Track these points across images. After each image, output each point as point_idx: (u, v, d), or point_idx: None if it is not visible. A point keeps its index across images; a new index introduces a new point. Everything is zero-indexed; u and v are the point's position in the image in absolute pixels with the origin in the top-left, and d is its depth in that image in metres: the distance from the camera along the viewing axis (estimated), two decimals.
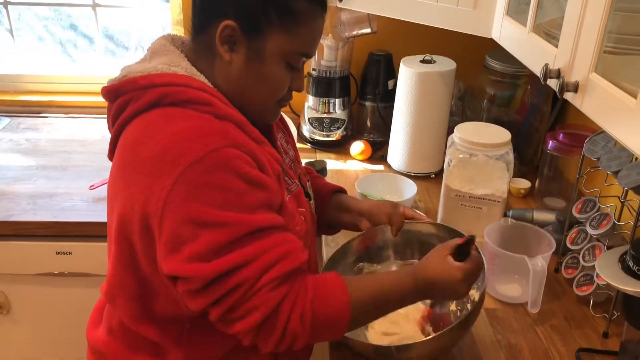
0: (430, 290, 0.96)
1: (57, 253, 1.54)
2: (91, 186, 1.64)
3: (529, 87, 1.68)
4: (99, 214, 1.54)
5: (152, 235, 0.85)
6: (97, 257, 1.54)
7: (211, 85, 0.92)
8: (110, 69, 2.15)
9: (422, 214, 1.40)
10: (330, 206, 1.20)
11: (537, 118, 1.73)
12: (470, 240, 0.97)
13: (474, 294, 1.13)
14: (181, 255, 0.82)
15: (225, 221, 0.81)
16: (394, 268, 1.21)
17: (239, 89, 0.93)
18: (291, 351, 0.91)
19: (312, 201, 1.13)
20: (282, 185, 0.95)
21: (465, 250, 0.97)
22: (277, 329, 0.85)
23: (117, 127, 0.92)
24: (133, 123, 0.89)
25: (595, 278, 1.19)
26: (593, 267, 1.20)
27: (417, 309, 1.16)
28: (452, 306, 1.17)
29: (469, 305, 1.14)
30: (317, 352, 1.18)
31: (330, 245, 1.40)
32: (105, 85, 0.94)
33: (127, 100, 0.90)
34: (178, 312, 0.93)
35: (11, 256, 1.55)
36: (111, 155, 0.97)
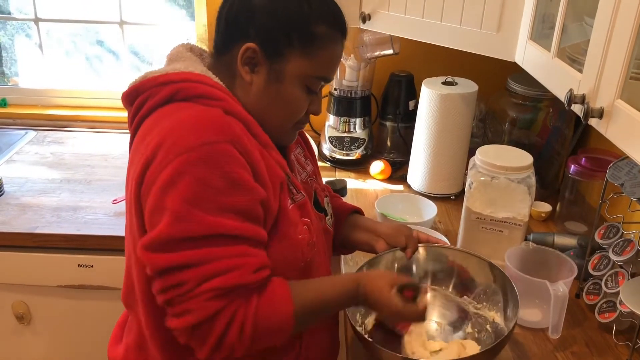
0: (364, 303, 0.99)
1: (79, 266, 1.56)
2: (114, 200, 1.67)
3: (551, 110, 1.68)
4: (121, 228, 1.53)
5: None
6: (118, 270, 1.53)
7: (225, 88, 0.94)
8: None
9: (441, 236, 1.40)
10: (346, 225, 1.21)
11: (558, 141, 1.72)
12: (409, 286, 0.99)
13: (495, 315, 1.13)
14: (145, 240, 0.85)
15: (188, 217, 0.82)
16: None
17: (257, 109, 0.95)
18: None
19: (328, 217, 1.13)
20: (285, 191, 0.95)
21: (409, 289, 0.99)
22: (211, 338, 0.85)
23: (135, 125, 0.95)
24: (147, 119, 0.92)
25: (618, 305, 1.17)
26: (615, 293, 1.19)
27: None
28: (469, 328, 1.16)
29: (488, 327, 1.14)
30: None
31: (349, 264, 1.40)
32: (125, 90, 0.96)
33: (145, 98, 0.93)
34: None
35: (34, 268, 1.57)
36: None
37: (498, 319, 1.14)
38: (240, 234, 0.85)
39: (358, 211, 1.26)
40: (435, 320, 1.18)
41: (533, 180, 1.34)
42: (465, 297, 1.19)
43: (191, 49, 1.02)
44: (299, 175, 1.08)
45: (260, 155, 0.90)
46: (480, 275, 1.18)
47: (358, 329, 1.05)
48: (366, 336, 1.05)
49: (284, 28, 0.91)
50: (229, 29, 0.94)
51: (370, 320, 1.15)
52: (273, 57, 0.92)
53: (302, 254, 0.97)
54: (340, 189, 1.58)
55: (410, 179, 1.79)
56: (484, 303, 1.17)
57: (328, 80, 0.98)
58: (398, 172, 1.88)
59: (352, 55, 1.81)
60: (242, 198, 0.85)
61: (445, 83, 1.68)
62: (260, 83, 0.93)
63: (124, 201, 1.61)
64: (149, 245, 0.84)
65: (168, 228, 0.82)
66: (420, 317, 0.98)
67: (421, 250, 1.19)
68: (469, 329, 1.16)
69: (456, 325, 1.17)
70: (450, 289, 1.20)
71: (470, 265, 1.19)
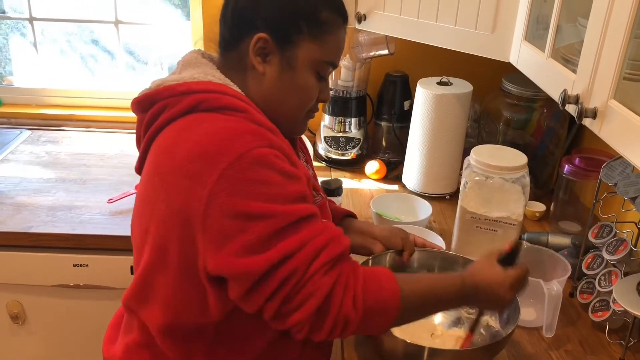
0: (475, 296, 0.98)
1: (74, 265, 1.56)
2: (110, 200, 1.67)
3: (545, 110, 1.68)
4: (116, 228, 1.55)
5: (193, 238, 0.86)
6: (113, 270, 1.56)
7: (244, 95, 0.94)
8: (130, 84, 2.19)
9: (437, 236, 1.41)
10: (345, 230, 1.20)
11: (552, 141, 1.73)
12: (517, 247, 0.98)
13: (487, 318, 1.14)
14: (230, 250, 0.83)
15: (270, 212, 0.83)
16: None
17: (271, 100, 0.96)
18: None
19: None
20: (310, 192, 0.97)
21: (511, 257, 0.98)
22: (331, 314, 0.86)
23: (150, 135, 0.94)
24: (168, 128, 0.91)
25: (611, 304, 1.18)
26: (609, 292, 1.20)
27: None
28: (462, 333, 1.17)
29: (482, 331, 1.15)
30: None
31: None
32: (137, 96, 0.96)
33: (162, 107, 0.92)
34: (205, 320, 0.93)
35: (29, 267, 1.57)
36: (140, 166, 0.98)
37: (492, 322, 1.15)
38: (314, 212, 0.89)
39: (351, 215, 1.27)
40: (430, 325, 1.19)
41: (527, 180, 1.35)
42: None
43: (202, 54, 1.03)
44: None
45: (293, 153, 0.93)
46: None
47: None
48: None
49: (292, 16, 0.93)
50: (236, 23, 0.95)
51: None
52: (284, 45, 0.93)
53: None
54: (335, 188, 1.58)
55: (405, 178, 1.80)
56: (477, 308, 1.17)
57: (335, 65, 1.00)
58: (393, 172, 1.88)
59: (347, 56, 1.81)
60: (299, 186, 0.89)
61: (440, 83, 1.68)
62: (274, 72, 0.95)
63: (120, 200, 1.64)
64: (241, 251, 0.83)
65: (255, 230, 0.83)
66: (527, 272, 1.00)
67: (417, 254, 1.20)
68: (462, 334, 1.16)
69: (451, 328, 1.18)
70: None
71: (461, 269, 1.19)
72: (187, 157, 0.85)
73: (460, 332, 1.17)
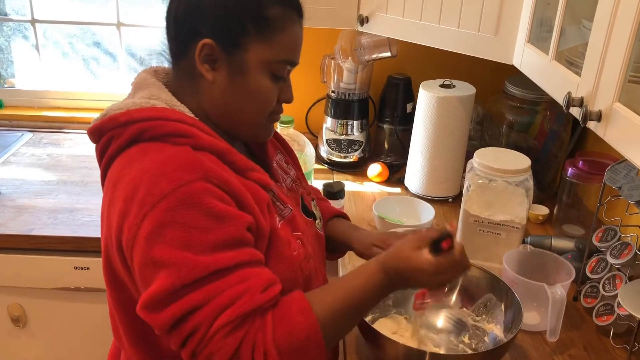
0: (400, 281, 0.91)
1: (76, 268, 1.55)
2: None
3: (548, 113, 1.68)
4: None
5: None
6: None
7: (192, 115, 0.91)
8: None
9: None
10: (332, 231, 1.18)
11: (556, 144, 1.72)
12: (444, 236, 0.92)
13: (494, 328, 1.13)
14: (143, 299, 0.81)
15: (183, 262, 0.79)
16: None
17: (226, 108, 0.92)
18: None
19: (318, 221, 1.11)
20: (272, 211, 0.93)
21: (439, 245, 0.92)
22: None
23: (104, 165, 0.92)
24: (116, 161, 0.89)
25: (616, 308, 1.17)
26: (613, 296, 1.19)
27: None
28: (466, 339, 1.16)
29: (486, 338, 1.14)
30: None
31: (347, 267, 1.40)
32: (90, 126, 0.93)
33: (109, 139, 0.90)
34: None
35: (30, 270, 1.56)
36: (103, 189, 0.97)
37: (497, 331, 1.14)
38: (237, 262, 0.82)
39: (342, 215, 1.24)
40: (432, 330, 1.18)
41: (531, 183, 1.34)
42: (464, 308, 1.20)
43: (155, 71, 0.99)
44: (283, 182, 1.06)
45: (240, 183, 0.88)
46: (481, 288, 1.19)
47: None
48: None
49: (236, 17, 0.87)
50: (180, 31, 0.91)
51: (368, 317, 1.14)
52: (231, 49, 0.88)
53: (301, 270, 0.95)
54: (337, 191, 1.58)
55: (407, 181, 1.79)
56: (483, 316, 1.17)
57: (293, 63, 0.93)
58: (395, 175, 1.87)
59: (349, 58, 1.81)
60: (229, 229, 0.82)
61: (442, 86, 1.68)
62: (224, 79, 0.90)
63: None
64: (150, 304, 0.80)
65: (164, 281, 0.79)
66: (463, 263, 0.92)
67: None
68: (466, 340, 1.16)
69: (454, 336, 1.18)
70: (452, 300, 1.21)
71: (472, 277, 1.19)
72: (121, 196, 0.83)
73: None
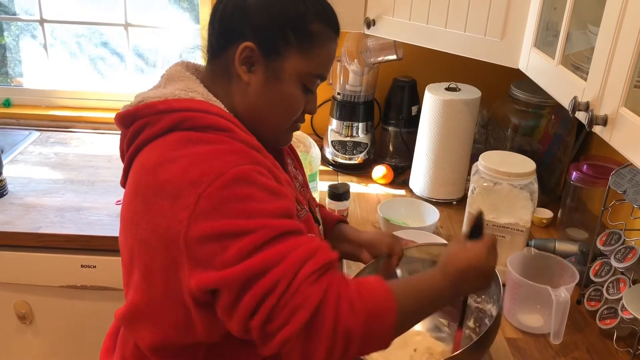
0: (463, 280, 0.93)
1: (82, 266, 1.57)
2: (117, 201, 1.67)
3: (553, 117, 1.68)
4: None
5: (176, 259, 0.83)
6: (120, 271, 1.55)
7: (228, 112, 0.92)
8: (138, 86, 2.19)
9: (442, 241, 1.41)
10: (332, 238, 1.19)
11: (560, 148, 1.73)
12: (479, 219, 0.98)
13: (491, 308, 1.13)
14: (211, 268, 0.80)
15: (252, 227, 0.80)
16: None
17: (255, 110, 0.94)
18: None
19: (321, 227, 1.13)
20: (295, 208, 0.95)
21: (476, 230, 0.98)
22: (326, 328, 0.78)
23: (132, 152, 0.92)
24: (150, 146, 0.89)
25: (619, 311, 1.18)
26: (617, 300, 1.19)
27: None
28: (471, 322, 1.16)
29: (487, 321, 1.13)
30: None
31: (352, 268, 1.40)
32: (120, 111, 0.94)
33: (143, 125, 0.90)
34: (194, 340, 0.91)
35: (37, 268, 1.58)
36: (124, 181, 0.96)
37: (495, 312, 1.13)
38: (299, 228, 0.85)
39: (343, 221, 1.25)
40: (440, 319, 1.18)
41: (535, 186, 1.35)
42: None
43: (187, 66, 1.00)
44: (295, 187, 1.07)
45: (279, 172, 0.91)
46: None
47: None
48: None
49: (281, 26, 0.90)
50: (224, 30, 0.93)
51: None
52: (271, 56, 0.91)
53: None
54: (343, 193, 1.58)
55: (412, 183, 1.80)
56: (483, 296, 1.16)
57: (323, 78, 0.97)
58: (400, 177, 1.88)
59: (355, 60, 1.82)
60: (285, 202, 0.85)
61: (448, 89, 1.69)
62: (258, 82, 0.92)
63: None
64: (221, 266, 0.79)
65: (236, 246, 0.79)
66: (494, 235, 0.98)
67: (406, 252, 1.17)
68: (471, 324, 1.16)
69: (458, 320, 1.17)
70: None
71: None
72: (169, 179, 0.83)
73: (442, 345, 1.16)
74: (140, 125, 0.90)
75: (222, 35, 0.94)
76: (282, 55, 0.91)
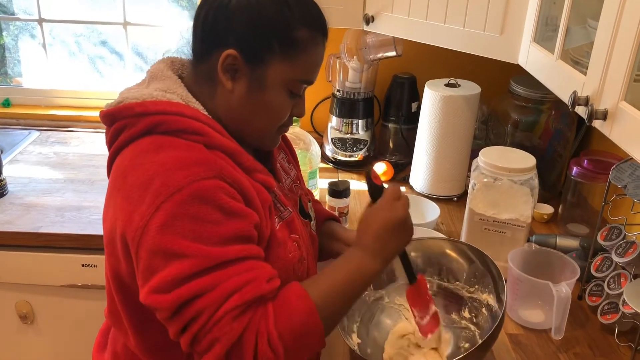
0: (383, 244, 0.93)
1: (83, 265, 1.57)
2: None
3: (553, 112, 1.68)
4: None
5: (132, 262, 0.86)
6: None
7: (206, 113, 0.92)
8: None
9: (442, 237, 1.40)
10: (321, 234, 1.18)
11: (560, 144, 1.72)
12: (369, 176, 0.97)
13: (487, 297, 1.13)
14: (148, 286, 0.82)
15: (194, 253, 0.80)
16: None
17: (240, 117, 0.94)
18: None
19: (312, 222, 1.12)
20: (273, 214, 0.94)
21: (377, 190, 0.97)
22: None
23: (114, 151, 0.93)
24: (126, 150, 0.90)
25: (620, 306, 1.18)
26: (618, 295, 1.19)
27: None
28: (466, 313, 1.16)
29: (484, 310, 1.13)
30: None
31: None
32: (103, 109, 0.94)
33: (122, 127, 0.90)
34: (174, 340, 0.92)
35: (38, 267, 1.58)
36: (109, 173, 0.97)
37: (492, 301, 1.13)
38: (246, 255, 0.85)
39: (334, 218, 1.25)
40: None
41: (536, 182, 1.34)
42: (457, 282, 1.19)
43: (172, 63, 1.00)
44: (284, 182, 1.07)
45: (249, 182, 0.90)
46: (462, 259, 1.18)
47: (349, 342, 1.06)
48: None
49: (264, 34, 0.88)
50: (206, 36, 0.91)
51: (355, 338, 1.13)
52: (254, 64, 0.89)
53: (293, 272, 0.97)
54: (343, 190, 1.58)
55: (412, 180, 1.80)
56: (476, 286, 1.16)
57: (310, 82, 0.96)
58: (400, 174, 1.88)
59: (355, 57, 1.81)
60: (239, 224, 0.85)
61: (448, 85, 1.68)
62: (242, 90, 0.91)
63: None
64: (157, 288, 0.81)
65: (173, 268, 0.80)
66: (396, 187, 0.98)
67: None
68: (466, 314, 1.16)
69: (455, 312, 1.17)
70: (438, 278, 1.20)
71: (448, 250, 1.19)
72: (135, 184, 0.84)
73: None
74: (119, 127, 0.91)
75: (204, 41, 0.92)
76: (265, 63, 0.89)
